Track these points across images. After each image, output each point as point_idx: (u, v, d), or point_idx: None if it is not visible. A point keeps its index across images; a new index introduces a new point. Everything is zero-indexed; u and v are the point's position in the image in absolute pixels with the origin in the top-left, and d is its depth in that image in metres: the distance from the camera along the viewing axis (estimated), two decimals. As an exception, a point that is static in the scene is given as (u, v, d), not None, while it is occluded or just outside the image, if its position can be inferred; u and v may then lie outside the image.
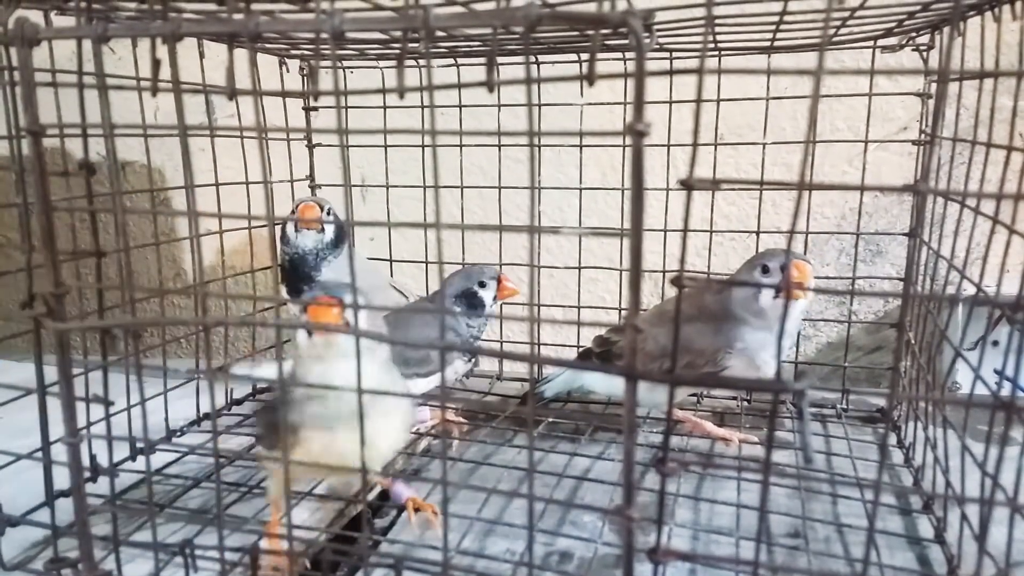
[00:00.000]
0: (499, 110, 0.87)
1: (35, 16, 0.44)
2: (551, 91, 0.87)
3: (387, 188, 0.95)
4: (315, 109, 0.95)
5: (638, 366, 0.34)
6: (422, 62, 0.83)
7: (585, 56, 0.81)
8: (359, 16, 0.37)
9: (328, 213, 0.86)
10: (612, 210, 1.06)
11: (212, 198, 0.77)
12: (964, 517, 0.52)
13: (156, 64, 0.41)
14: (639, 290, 0.35)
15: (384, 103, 0.90)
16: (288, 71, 0.91)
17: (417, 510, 0.62)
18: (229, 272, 0.94)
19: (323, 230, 0.85)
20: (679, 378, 0.37)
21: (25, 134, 0.44)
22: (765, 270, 0.70)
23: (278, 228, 0.87)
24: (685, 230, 0.36)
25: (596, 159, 1.01)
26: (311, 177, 0.98)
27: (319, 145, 0.97)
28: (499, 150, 0.93)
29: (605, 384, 0.80)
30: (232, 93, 0.40)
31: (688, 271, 0.35)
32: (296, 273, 0.86)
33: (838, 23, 0.64)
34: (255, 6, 0.43)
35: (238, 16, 0.39)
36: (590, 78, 0.35)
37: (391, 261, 0.99)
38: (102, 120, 0.45)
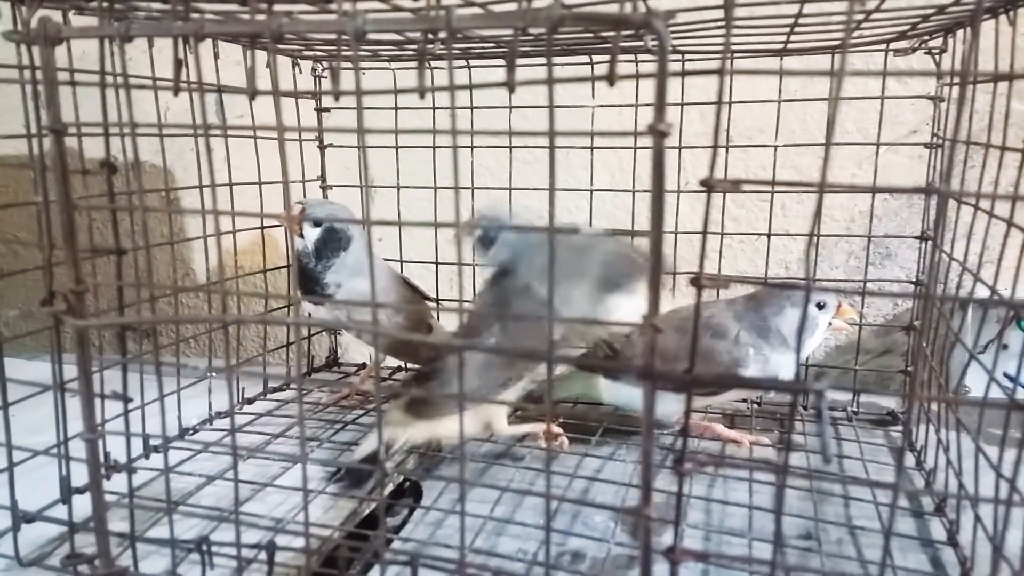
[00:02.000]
0: (510, 112, 0.87)
1: (51, 15, 0.44)
2: (560, 92, 0.87)
3: (398, 189, 0.96)
4: (327, 110, 0.95)
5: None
6: (439, 63, 0.83)
7: (598, 58, 0.81)
8: (382, 17, 0.37)
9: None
10: (620, 211, 1.06)
11: (223, 198, 0.77)
12: (978, 519, 0.52)
13: (178, 64, 0.42)
14: (659, 289, 0.35)
15: (396, 104, 0.90)
16: (301, 72, 0.91)
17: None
18: (240, 272, 0.94)
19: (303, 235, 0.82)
20: (698, 378, 0.37)
21: (46, 132, 0.45)
22: (821, 306, 0.75)
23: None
24: (704, 232, 0.36)
25: (605, 161, 1.01)
26: (323, 178, 0.98)
27: (331, 146, 0.98)
28: (510, 152, 0.94)
29: (612, 393, 0.79)
30: (253, 94, 0.41)
31: (705, 273, 0.35)
32: (303, 273, 0.85)
33: (853, 26, 0.65)
34: (275, 7, 0.43)
35: (260, 17, 0.39)
36: (610, 79, 0.36)
37: (401, 262, 1.00)
38: (122, 119, 0.46)
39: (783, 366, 0.73)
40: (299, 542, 0.55)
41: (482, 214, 0.81)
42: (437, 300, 0.97)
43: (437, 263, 0.96)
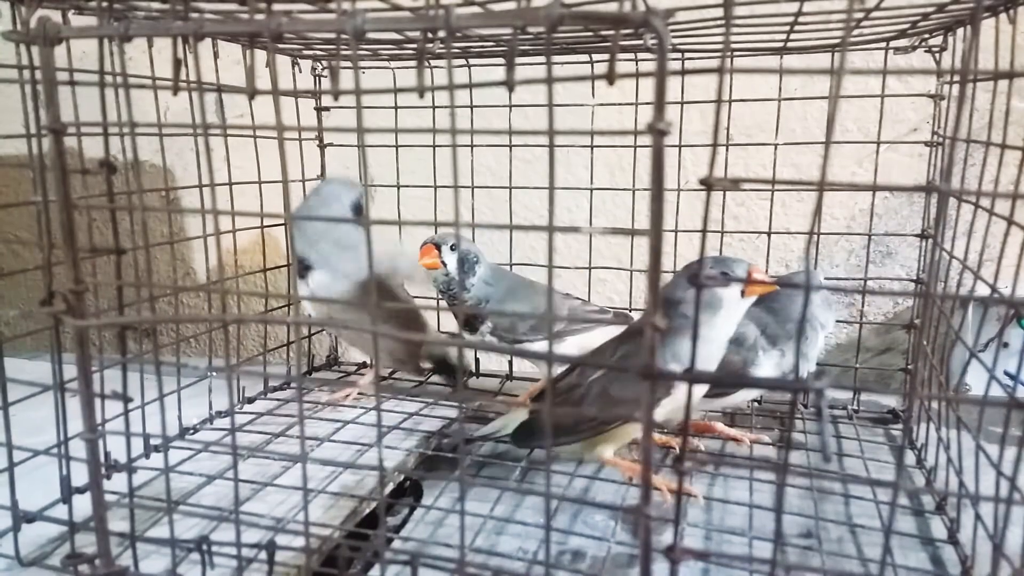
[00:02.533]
0: (510, 111, 0.87)
1: (51, 15, 0.44)
2: (560, 91, 0.87)
3: (398, 188, 0.96)
4: (326, 109, 0.95)
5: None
6: (438, 62, 0.83)
7: (598, 56, 0.81)
8: (381, 16, 0.37)
9: None
10: (620, 210, 1.06)
11: (223, 198, 0.77)
12: (978, 517, 0.52)
13: (177, 64, 0.42)
14: (659, 289, 0.35)
15: (396, 103, 0.90)
16: (300, 71, 0.91)
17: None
18: (240, 271, 0.94)
19: None
20: (697, 376, 0.37)
21: (46, 132, 0.45)
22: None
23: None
24: (704, 230, 0.36)
25: (605, 159, 1.01)
26: (322, 177, 0.98)
27: (330, 145, 0.98)
28: (510, 150, 0.94)
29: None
30: (252, 93, 0.41)
31: (705, 272, 0.35)
32: None
33: (854, 24, 0.64)
34: (274, 6, 0.43)
35: (259, 16, 0.39)
36: (610, 78, 0.35)
37: (401, 260, 1.00)
38: (121, 119, 0.46)
39: (813, 347, 0.75)
40: (299, 541, 0.55)
41: (460, 241, 0.82)
42: (437, 299, 0.97)
43: (437, 262, 0.96)
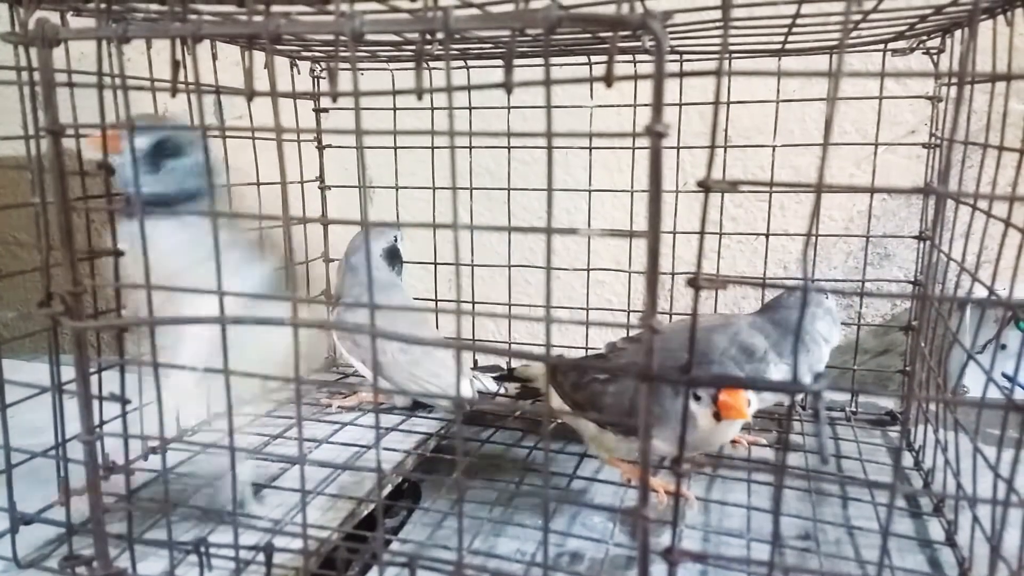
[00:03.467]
0: (509, 112, 0.87)
1: (49, 17, 0.44)
2: (559, 93, 0.88)
3: (396, 189, 0.96)
4: (325, 111, 0.95)
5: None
6: (437, 64, 0.83)
7: (596, 58, 0.81)
8: (379, 18, 0.37)
9: None
10: (619, 212, 1.06)
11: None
12: (976, 519, 0.52)
13: (176, 65, 0.42)
14: (656, 291, 0.35)
15: (394, 105, 0.90)
16: (299, 73, 0.91)
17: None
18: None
19: None
20: (696, 379, 0.37)
21: (44, 134, 0.45)
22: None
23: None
24: (702, 232, 0.36)
25: (604, 161, 1.01)
26: (321, 178, 0.98)
27: (329, 147, 0.98)
28: (508, 152, 0.94)
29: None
30: (251, 95, 0.41)
31: (703, 273, 0.35)
32: None
33: (851, 26, 0.65)
34: (272, 8, 0.43)
35: (258, 18, 0.39)
36: (608, 80, 0.36)
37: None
38: (119, 120, 0.45)
39: (817, 361, 0.75)
40: (297, 543, 0.55)
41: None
42: (436, 301, 0.97)
43: (436, 263, 0.96)
